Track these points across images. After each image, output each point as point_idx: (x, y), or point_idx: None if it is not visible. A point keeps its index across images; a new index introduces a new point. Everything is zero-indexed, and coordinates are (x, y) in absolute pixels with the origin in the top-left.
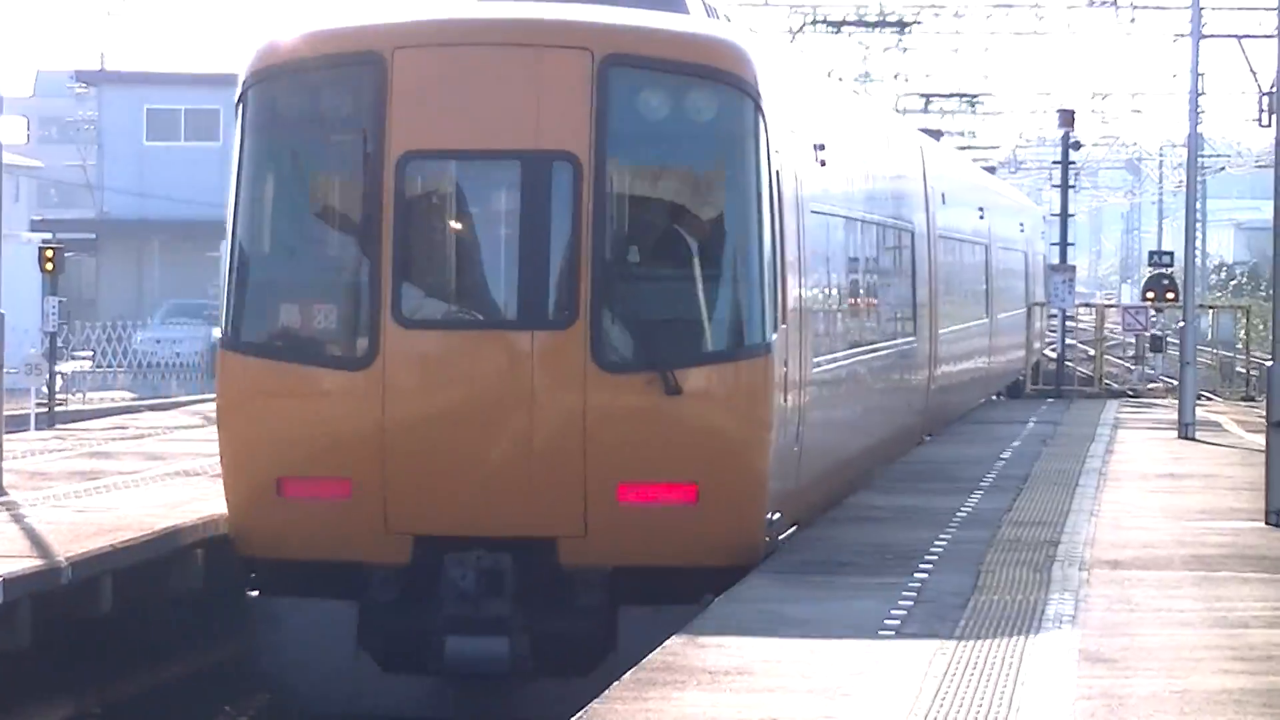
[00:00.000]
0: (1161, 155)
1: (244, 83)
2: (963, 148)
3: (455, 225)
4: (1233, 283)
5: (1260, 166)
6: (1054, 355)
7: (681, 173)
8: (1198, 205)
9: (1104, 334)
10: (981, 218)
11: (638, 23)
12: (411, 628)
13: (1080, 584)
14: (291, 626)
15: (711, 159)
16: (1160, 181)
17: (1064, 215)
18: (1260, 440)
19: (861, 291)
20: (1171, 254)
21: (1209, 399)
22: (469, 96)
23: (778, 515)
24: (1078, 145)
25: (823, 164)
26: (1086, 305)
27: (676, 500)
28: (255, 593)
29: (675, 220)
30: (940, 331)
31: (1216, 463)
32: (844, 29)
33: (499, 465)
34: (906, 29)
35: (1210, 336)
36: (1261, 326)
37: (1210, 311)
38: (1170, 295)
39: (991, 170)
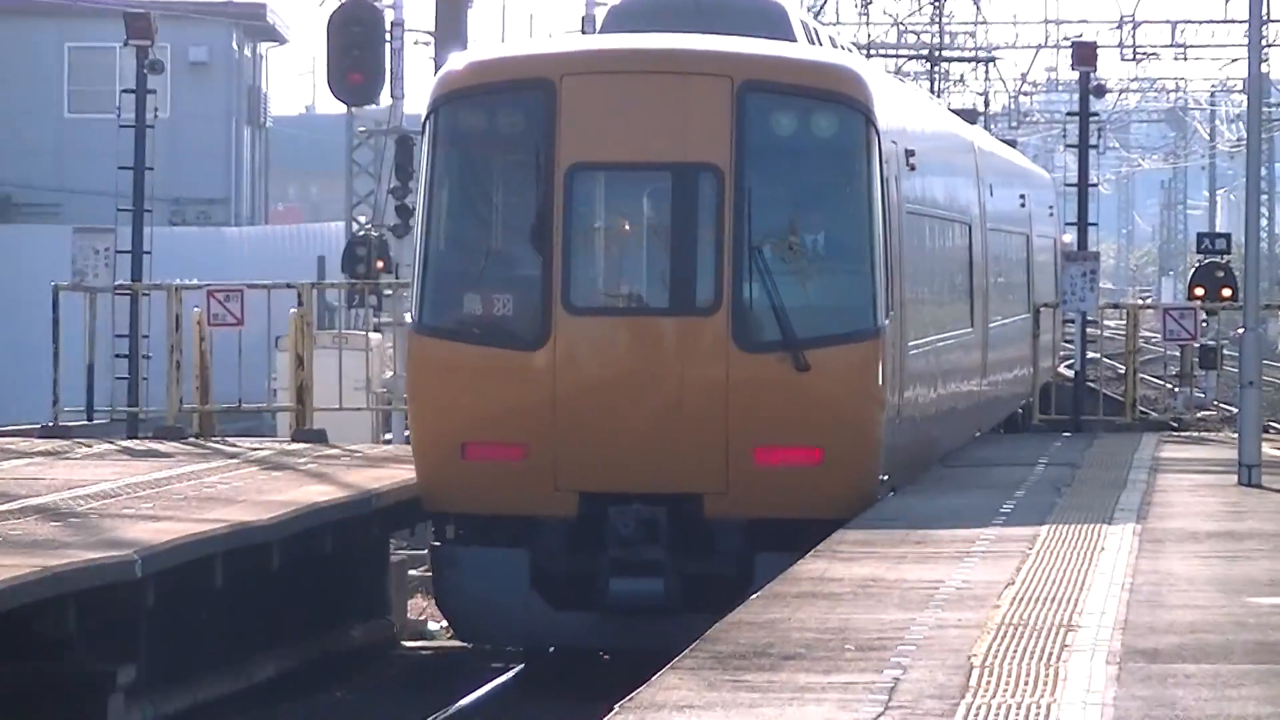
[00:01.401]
0: (1214, 104)
1: (431, 103)
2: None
3: (615, 226)
4: None
5: None
6: (1071, 374)
7: (808, 181)
8: (1263, 171)
9: (1137, 345)
10: (963, 186)
11: (770, 52)
12: (579, 571)
13: (1107, 682)
14: (472, 571)
15: (833, 169)
16: (1212, 139)
17: (1083, 185)
18: None
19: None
20: (1228, 237)
21: (1278, 430)
22: (627, 116)
23: (886, 476)
24: (1101, 91)
25: (912, 169)
26: (1114, 306)
27: (804, 462)
28: (439, 544)
29: (803, 221)
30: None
31: None
32: None
33: (653, 432)
34: None
35: None
36: None
37: None
38: (1226, 293)
39: (972, 120)
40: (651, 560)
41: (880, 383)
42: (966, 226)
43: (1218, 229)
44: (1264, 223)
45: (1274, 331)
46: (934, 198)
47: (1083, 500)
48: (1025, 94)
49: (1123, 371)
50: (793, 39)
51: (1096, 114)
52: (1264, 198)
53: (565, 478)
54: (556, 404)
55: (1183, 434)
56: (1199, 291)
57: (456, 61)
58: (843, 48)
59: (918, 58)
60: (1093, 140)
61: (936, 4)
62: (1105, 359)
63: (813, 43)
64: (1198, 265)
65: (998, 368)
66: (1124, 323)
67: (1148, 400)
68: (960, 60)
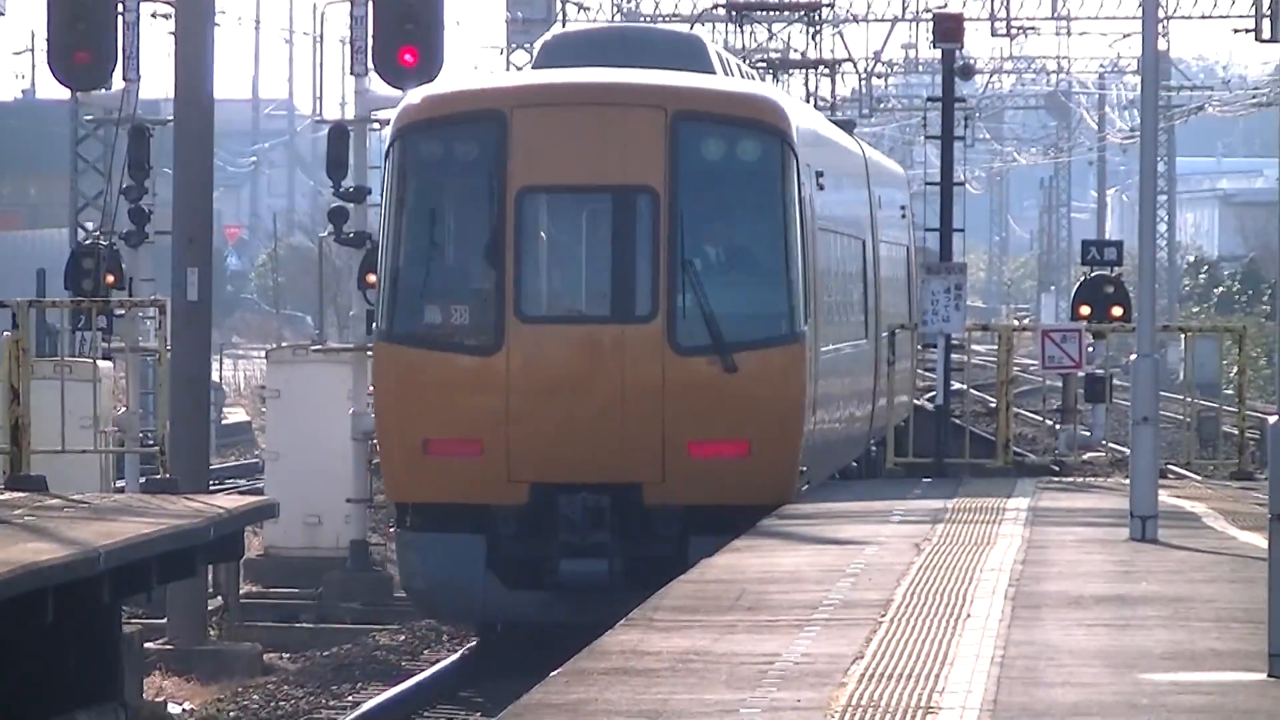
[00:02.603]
0: (1103, 87)
1: (393, 134)
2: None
3: (562, 243)
4: (1218, 290)
5: (1260, 104)
6: (932, 407)
7: (736, 200)
8: (1160, 166)
9: (1012, 374)
10: (859, 203)
11: (698, 85)
12: (531, 553)
13: None
14: (434, 555)
15: (758, 189)
16: (1100, 129)
17: (947, 183)
18: (1260, 542)
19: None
20: (1119, 245)
21: (1179, 476)
22: (571, 144)
23: (805, 468)
24: (969, 72)
25: (821, 188)
26: (984, 328)
27: (733, 454)
28: (401, 530)
29: (731, 237)
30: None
31: (1190, 579)
32: None
33: (597, 428)
34: None
35: (1183, 376)
36: (1263, 361)
37: (1183, 337)
38: (1117, 312)
39: (850, 130)
40: (597, 543)
41: (801, 382)
42: (862, 241)
43: (1107, 235)
44: (1161, 228)
45: (1173, 359)
46: (838, 215)
47: (946, 558)
48: (878, 75)
49: (994, 405)
50: (712, 70)
51: (963, 99)
52: (1161, 198)
53: (518, 470)
54: (509, 403)
55: (1065, 479)
56: (1084, 310)
57: (415, 95)
58: (752, 76)
59: (724, 20)
60: (959, 130)
61: None
62: (973, 390)
63: (728, 73)
64: (1083, 279)
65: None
66: (996, 347)
67: (1024, 439)
68: (779, 12)
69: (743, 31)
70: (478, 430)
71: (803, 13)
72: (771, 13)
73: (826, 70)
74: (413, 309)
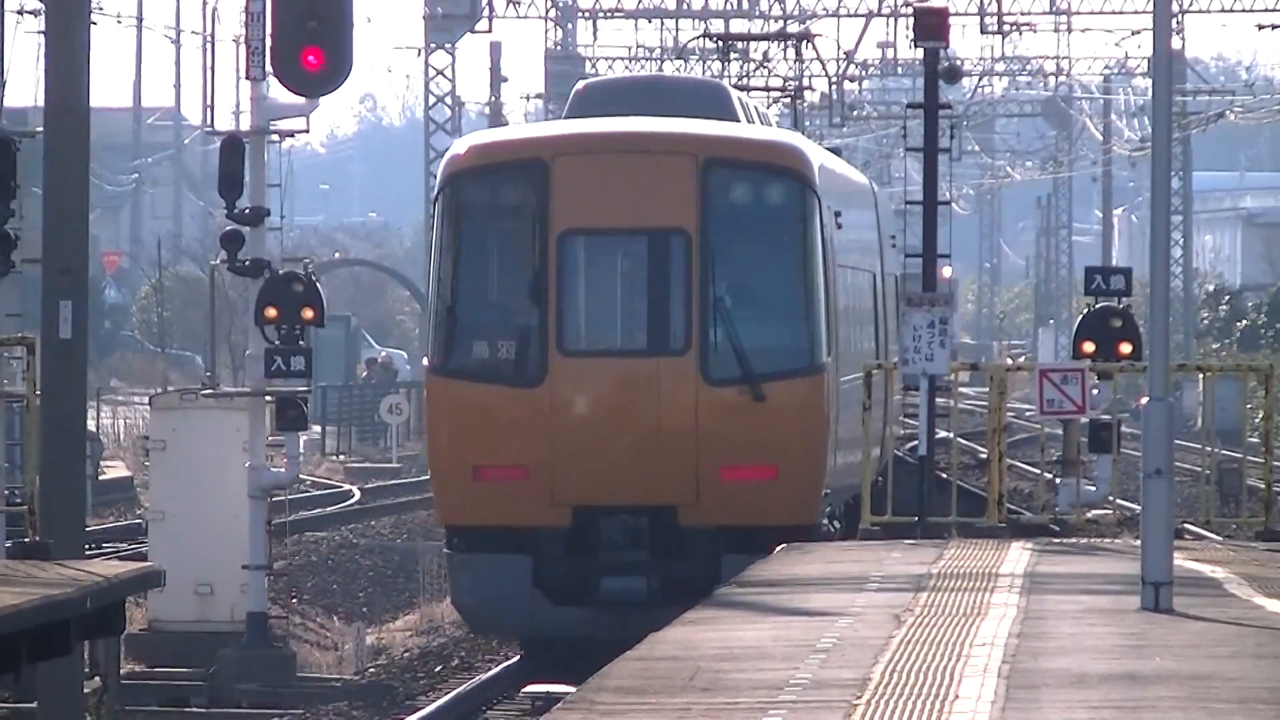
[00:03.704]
0: (1108, 92)
1: (441, 180)
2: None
3: (601, 282)
4: (1241, 324)
5: None
6: (914, 459)
7: (762, 241)
8: (1174, 182)
9: (1005, 421)
10: (871, 240)
11: (727, 133)
12: (574, 572)
13: None
14: (483, 574)
15: (783, 231)
16: (1106, 140)
17: (930, 202)
18: None
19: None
20: (1128, 273)
21: (1198, 537)
22: (609, 189)
23: (829, 491)
24: (956, 74)
25: (839, 227)
26: (973, 368)
27: (762, 477)
28: (451, 551)
29: (758, 275)
30: None
31: (1210, 654)
32: None
33: (635, 454)
34: None
35: (1201, 423)
36: None
37: (1201, 377)
38: (1126, 349)
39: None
40: (636, 562)
41: (824, 410)
42: (872, 275)
43: (1114, 262)
44: (1176, 253)
45: (1190, 403)
46: (852, 252)
47: (930, 632)
48: (851, 79)
49: (985, 456)
50: (735, 117)
51: (949, 105)
52: (1176, 219)
53: (561, 494)
54: (553, 431)
55: (1067, 540)
56: (1088, 347)
57: (461, 145)
58: (769, 121)
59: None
60: (943, 141)
61: None
62: (961, 440)
63: (749, 120)
64: (1087, 311)
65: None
66: (986, 390)
67: (1019, 495)
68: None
69: (727, 61)
70: (524, 457)
71: (791, 41)
72: (758, 43)
73: (788, 91)
74: (462, 345)
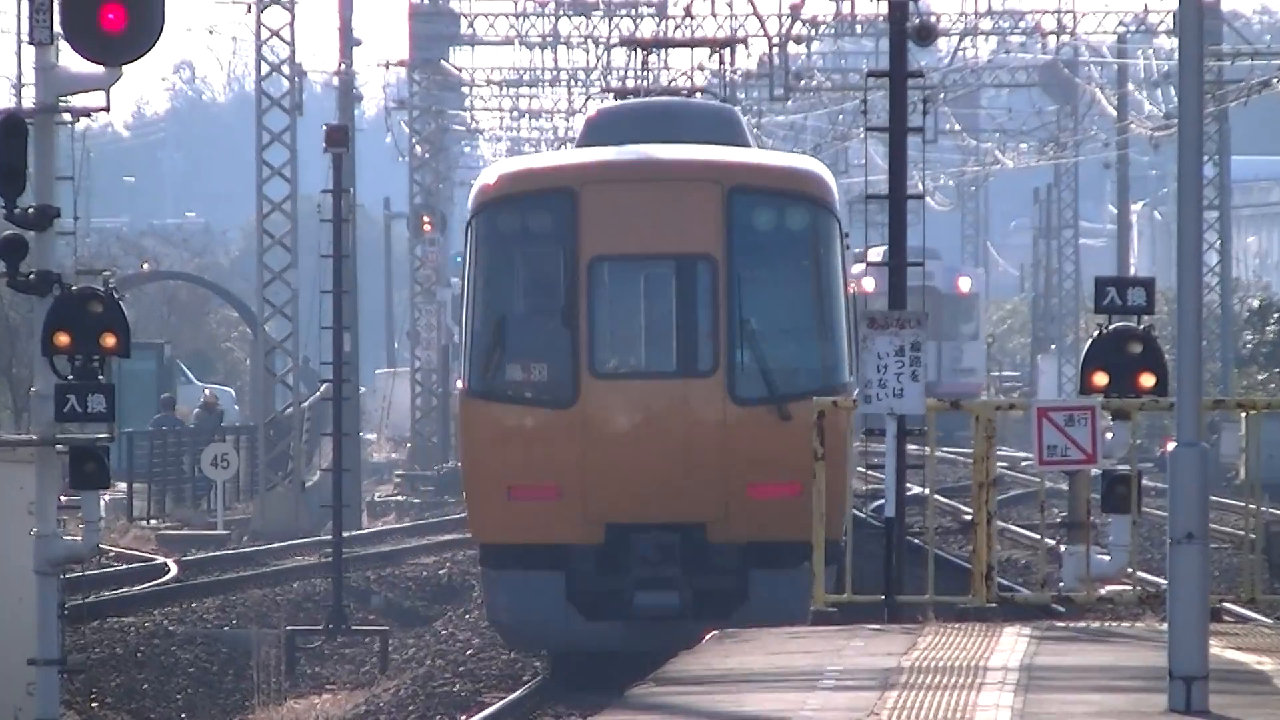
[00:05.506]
0: (1124, 55)
1: (473, 208)
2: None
3: (630, 306)
4: None
5: None
6: (879, 521)
7: (786, 265)
8: (1207, 170)
9: (995, 472)
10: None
11: (750, 160)
12: (608, 587)
13: None
14: (518, 590)
15: (807, 254)
16: (1121, 115)
17: (897, 196)
18: None
19: None
20: (1149, 284)
21: (1239, 619)
22: (637, 216)
23: (851, 508)
24: (928, 33)
25: (847, 247)
26: (954, 406)
27: (788, 494)
28: (487, 569)
29: (782, 298)
30: None
31: None
32: None
33: (665, 472)
34: None
35: (1243, 474)
36: None
37: (1243, 416)
38: (1148, 381)
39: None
40: (668, 577)
41: (848, 429)
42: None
43: (1131, 270)
44: (1210, 258)
45: (1229, 449)
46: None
47: None
48: (798, 39)
49: (969, 518)
50: (746, 142)
51: (921, 73)
52: (1210, 215)
53: (594, 512)
54: (585, 451)
55: (1073, 624)
56: (1100, 379)
57: (490, 175)
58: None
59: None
60: (915, 119)
61: None
62: (939, 497)
63: (753, 141)
64: (1098, 333)
65: None
66: (971, 434)
67: (1013, 566)
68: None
69: (647, 65)
70: (557, 476)
71: (716, 49)
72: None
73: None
74: (494, 368)
